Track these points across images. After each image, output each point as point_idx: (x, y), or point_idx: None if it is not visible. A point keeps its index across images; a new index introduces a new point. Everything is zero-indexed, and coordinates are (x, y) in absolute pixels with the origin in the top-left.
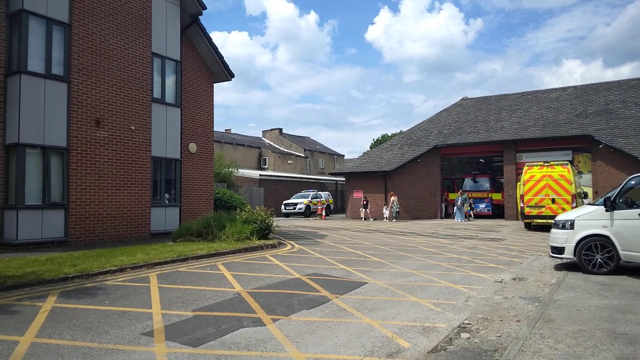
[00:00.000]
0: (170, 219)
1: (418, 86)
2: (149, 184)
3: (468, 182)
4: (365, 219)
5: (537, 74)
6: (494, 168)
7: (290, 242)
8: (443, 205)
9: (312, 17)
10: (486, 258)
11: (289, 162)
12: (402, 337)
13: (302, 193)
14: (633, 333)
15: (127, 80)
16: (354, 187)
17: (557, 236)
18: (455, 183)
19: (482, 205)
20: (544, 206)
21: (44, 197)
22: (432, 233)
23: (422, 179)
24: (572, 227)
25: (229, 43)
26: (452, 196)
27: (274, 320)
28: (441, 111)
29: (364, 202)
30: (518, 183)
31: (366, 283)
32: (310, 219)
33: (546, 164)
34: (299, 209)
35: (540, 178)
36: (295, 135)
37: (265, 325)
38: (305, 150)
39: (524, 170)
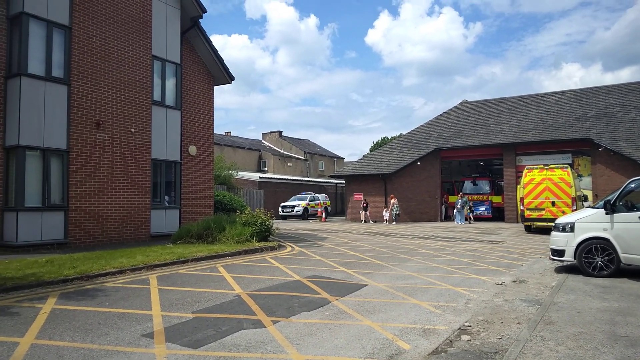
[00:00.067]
0: (170, 221)
1: (418, 89)
2: (148, 186)
3: (468, 185)
4: (365, 221)
5: (536, 77)
6: (493, 171)
7: (290, 244)
8: (443, 208)
9: (312, 20)
10: (486, 261)
11: (288, 164)
12: (402, 339)
13: (300, 195)
14: (634, 335)
15: (127, 82)
16: (354, 189)
17: (558, 239)
18: (455, 186)
19: (482, 208)
20: (544, 209)
21: (44, 199)
22: (432, 236)
23: (422, 182)
24: (572, 229)
25: (229, 46)
26: (452, 199)
27: (274, 322)
28: (441, 114)
29: (364, 205)
30: (518, 186)
31: (366, 285)
32: (310, 221)
33: (546, 167)
34: (296, 212)
35: (540, 181)
36: (295, 138)
37: (265, 327)
38: (305, 153)
39: (524, 173)
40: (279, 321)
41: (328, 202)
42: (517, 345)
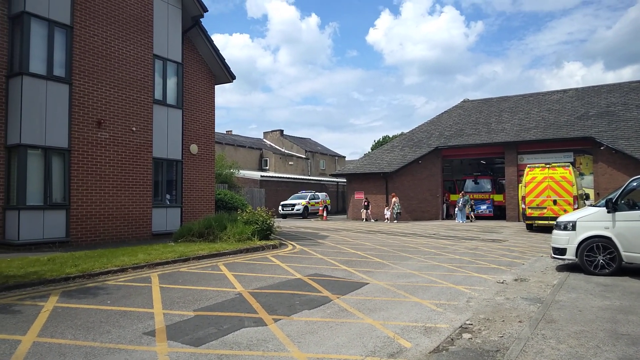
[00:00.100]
0: (172, 219)
1: (419, 88)
2: (150, 185)
3: (469, 184)
4: (366, 220)
5: (538, 76)
6: (495, 170)
7: (292, 242)
8: (444, 206)
9: (313, 19)
10: (488, 259)
11: (290, 163)
12: (403, 338)
13: (300, 194)
14: (635, 334)
15: (128, 81)
16: (355, 188)
17: (559, 237)
18: (457, 184)
19: (484, 207)
20: (545, 207)
21: (46, 197)
22: (434, 234)
23: (424, 181)
24: (574, 228)
25: (230, 45)
26: (453, 197)
27: (276, 320)
28: (442, 113)
29: (365, 203)
30: (519, 184)
31: (367, 284)
32: (311, 220)
33: (548, 166)
34: (297, 210)
35: (542, 180)
36: (297, 137)
37: (266, 325)
38: (306, 151)
39: (525, 172)
40: (280, 319)
41: (328, 201)
42: (518, 344)
